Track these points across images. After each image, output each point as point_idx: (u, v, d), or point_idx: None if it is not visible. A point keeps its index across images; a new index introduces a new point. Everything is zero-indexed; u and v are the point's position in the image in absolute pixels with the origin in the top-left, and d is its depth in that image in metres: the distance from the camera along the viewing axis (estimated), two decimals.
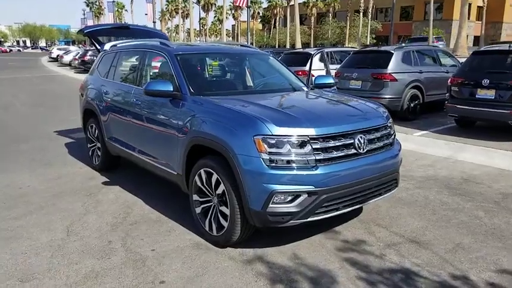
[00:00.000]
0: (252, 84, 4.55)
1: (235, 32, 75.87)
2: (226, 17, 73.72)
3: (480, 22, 49.03)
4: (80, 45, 69.65)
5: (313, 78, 4.75)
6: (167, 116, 3.91)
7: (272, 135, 3.00)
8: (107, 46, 5.91)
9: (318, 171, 3.01)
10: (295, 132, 3.03)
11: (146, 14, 37.95)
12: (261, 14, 70.23)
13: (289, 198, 3.00)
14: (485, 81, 6.89)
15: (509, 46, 7.25)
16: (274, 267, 3.10)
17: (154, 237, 3.63)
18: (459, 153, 6.42)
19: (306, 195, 3.00)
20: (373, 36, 50.29)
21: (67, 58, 33.42)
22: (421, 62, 9.19)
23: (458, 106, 7.35)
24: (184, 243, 3.51)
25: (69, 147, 7.01)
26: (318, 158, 3.04)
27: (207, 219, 3.48)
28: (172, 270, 3.08)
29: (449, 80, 7.63)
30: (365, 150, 3.30)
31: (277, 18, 64.28)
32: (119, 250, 3.41)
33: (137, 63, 4.72)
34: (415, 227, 3.83)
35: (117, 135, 4.96)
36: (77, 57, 28.91)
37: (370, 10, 48.70)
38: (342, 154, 3.16)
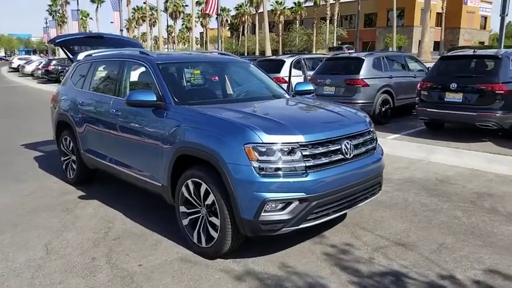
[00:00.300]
0: (234, 93, 4.53)
1: (204, 39, 75.69)
2: (195, 25, 73.56)
3: (440, 28, 51.18)
4: (42, 55, 67.41)
5: (294, 85, 4.81)
6: (150, 127, 3.83)
7: (262, 143, 2.99)
8: (81, 56, 5.75)
9: (308, 178, 3.02)
10: (285, 140, 3.04)
11: (112, 22, 37.13)
12: (229, 22, 70.43)
13: (281, 206, 3.00)
14: (453, 85, 7.17)
15: (474, 51, 7.60)
16: (266, 278, 3.07)
17: (140, 251, 3.53)
18: (431, 155, 6.63)
19: (298, 202, 3.01)
20: (339, 42, 51.42)
21: (29, 68, 32.36)
22: (390, 67, 9.47)
23: (428, 109, 7.61)
24: (172, 256, 3.43)
25: (38, 161, 6.74)
26: (307, 164, 3.06)
27: (196, 231, 3.42)
28: (162, 286, 3.00)
29: (419, 84, 7.89)
30: (351, 156, 3.36)
31: (246, 25, 64.67)
32: (104, 267, 3.29)
33: (115, 73, 4.61)
34: (398, 229, 3.91)
35: (95, 147, 4.81)
36: (40, 66, 27.98)
37: (335, 17, 49.81)
38: (330, 160, 3.20)
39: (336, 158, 3.24)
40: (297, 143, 3.06)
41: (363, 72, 8.76)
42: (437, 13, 51.28)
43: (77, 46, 6.10)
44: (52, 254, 3.52)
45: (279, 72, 10.46)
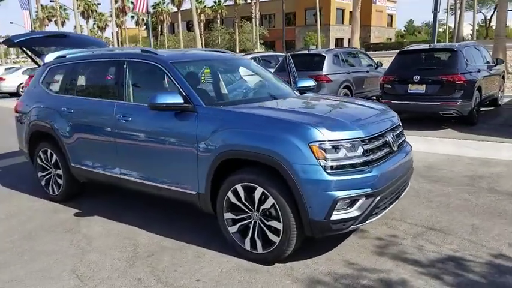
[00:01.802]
0: (252, 91, 4.35)
1: (118, 39, 72.11)
2: (107, 25, 69.80)
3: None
4: None
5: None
6: (178, 132, 3.54)
7: (328, 140, 2.93)
8: (49, 57, 5.14)
9: (372, 173, 3.02)
10: (348, 136, 3.01)
11: (12, 23, 33.53)
12: (145, 21, 67.82)
13: (349, 203, 2.96)
14: (416, 78, 7.69)
15: (430, 45, 8.21)
16: (338, 277, 3.01)
17: (187, 266, 3.26)
18: None
19: (364, 198, 2.99)
20: (261, 41, 52.40)
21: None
22: (347, 63, 9.86)
23: (393, 101, 8.04)
24: (225, 266, 3.22)
25: None
26: (369, 159, 3.05)
27: (248, 238, 3.24)
28: None
29: (381, 78, 8.34)
30: (397, 148, 3.43)
31: (165, 24, 62.93)
32: (158, 287, 2.98)
33: (115, 75, 4.18)
34: (425, 215, 4.08)
35: (92, 158, 4.33)
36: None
37: (256, 16, 50.58)
38: (383, 153, 3.23)
39: (386, 151, 3.28)
40: (358, 138, 3.04)
41: (326, 68, 9.02)
42: (350, 12, 54.48)
43: (39, 47, 5.42)
44: (87, 280, 3.11)
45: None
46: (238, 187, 3.21)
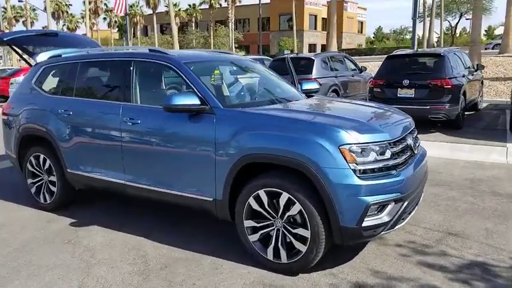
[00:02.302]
0: (265, 93, 4.18)
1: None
2: (77, 26, 67.93)
3: (325, 32, 55.33)
4: None
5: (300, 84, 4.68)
6: (193, 135, 3.35)
7: (358, 143, 2.83)
8: (42, 57, 4.83)
9: (400, 177, 2.95)
10: (377, 139, 2.92)
11: None
12: (118, 23, 66.53)
13: (379, 208, 2.87)
14: (406, 82, 7.77)
15: (417, 51, 8.33)
16: (369, 286, 2.91)
17: (207, 278, 3.07)
18: None
19: (393, 203, 2.91)
20: (236, 45, 52.32)
21: None
22: (334, 67, 9.89)
23: None
24: (247, 278, 3.05)
25: None
26: (396, 163, 2.98)
27: (271, 246, 3.09)
28: None
29: (370, 82, 8.38)
30: (416, 151, 3.38)
31: (138, 27, 61.81)
32: None
33: (120, 75, 3.93)
34: (437, 220, 4.06)
35: (92, 163, 4.07)
36: None
37: (232, 20, 50.50)
38: (407, 157, 3.17)
39: (409, 155, 3.23)
40: (386, 141, 2.96)
41: (315, 72, 9.01)
42: (322, 18, 55.37)
43: (30, 45, 5.10)
44: None
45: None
46: (261, 193, 3.05)
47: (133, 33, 64.59)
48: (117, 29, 68.26)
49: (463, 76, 8.15)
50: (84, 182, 4.22)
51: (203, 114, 3.33)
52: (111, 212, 4.48)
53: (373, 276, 3.04)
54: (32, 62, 4.92)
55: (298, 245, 2.98)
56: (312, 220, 2.87)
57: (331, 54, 10.69)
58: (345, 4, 53.03)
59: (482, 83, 10.61)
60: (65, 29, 68.83)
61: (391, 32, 77.91)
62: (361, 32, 63.34)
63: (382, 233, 2.94)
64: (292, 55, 10.67)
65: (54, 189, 4.46)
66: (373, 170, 2.85)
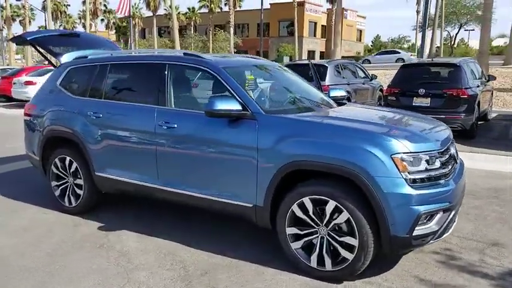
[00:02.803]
0: (300, 99, 4.15)
1: None
2: (74, 27, 67.65)
3: (325, 39, 55.67)
4: None
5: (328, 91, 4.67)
6: (235, 141, 3.32)
7: (410, 152, 2.82)
8: (67, 58, 4.80)
9: (448, 187, 2.94)
10: (427, 148, 2.92)
11: None
12: (116, 25, 66.37)
13: (428, 217, 2.85)
14: (421, 91, 7.80)
15: (432, 60, 8.37)
16: None
17: (249, 285, 3.03)
18: None
19: (442, 212, 2.90)
20: (235, 50, 52.41)
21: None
22: (346, 74, 9.92)
23: None
24: (292, 285, 3.01)
25: None
26: (444, 172, 2.97)
27: (314, 254, 3.05)
28: None
29: (385, 90, 8.41)
30: (458, 159, 3.37)
31: (136, 29, 61.69)
32: None
33: (154, 79, 3.89)
34: (470, 229, 4.04)
35: (122, 167, 4.01)
36: None
37: (231, 25, 50.59)
38: (451, 166, 3.16)
39: (452, 164, 3.22)
40: (436, 150, 2.96)
41: (328, 79, 9.01)
42: (322, 25, 55.69)
43: (53, 46, 5.05)
44: None
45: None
46: (306, 200, 3.03)
47: (131, 35, 64.50)
48: (114, 30, 68.07)
49: (477, 86, 8.20)
50: (113, 185, 4.17)
51: (244, 120, 3.30)
52: (139, 216, 4.42)
53: (418, 284, 3.02)
54: (56, 63, 4.87)
55: (344, 253, 2.95)
56: (361, 229, 2.85)
57: (343, 61, 10.72)
58: (344, 12, 53.21)
59: (492, 93, 10.69)
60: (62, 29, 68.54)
61: (388, 41, 78.46)
62: (360, 40, 63.78)
63: (431, 242, 2.92)
64: (304, 62, 10.68)
65: (80, 192, 4.39)
66: (423, 180, 2.84)
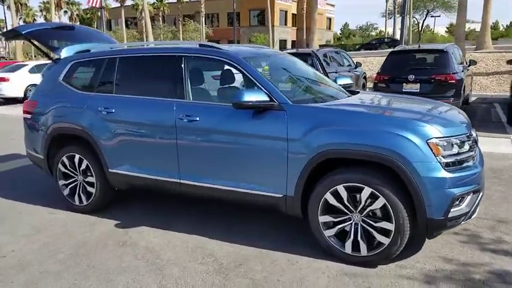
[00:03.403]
0: (320, 88, 4.13)
1: None
2: (35, 19, 64.83)
3: (295, 28, 55.78)
4: None
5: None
6: (263, 132, 3.30)
7: (443, 137, 2.90)
8: (67, 51, 4.62)
9: (476, 169, 3.05)
10: (458, 132, 3.01)
11: None
12: (80, 16, 64.06)
13: (460, 199, 2.95)
14: (411, 77, 7.99)
15: (419, 46, 8.57)
16: (450, 273, 3.00)
17: (288, 275, 3.05)
18: None
19: (472, 193, 3.00)
20: (207, 40, 51.77)
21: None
22: (333, 63, 10.01)
23: None
24: (329, 272, 3.05)
25: None
26: (472, 155, 3.07)
27: (350, 241, 3.11)
28: None
29: (375, 77, 8.55)
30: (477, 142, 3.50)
31: (102, 20, 59.77)
32: None
33: (170, 72, 3.80)
34: (481, 209, 4.19)
35: (139, 162, 3.92)
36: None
37: (202, 15, 49.88)
38: (475, 150, 3.27)
39: (476, 147, 3.33)
40: (464, 134, 3.05)
41: (318, 68, 9.05)
42: (292, 14, 55.75)
43: (48, 39, 4.84)
44: None
45: None
46: (340, 188, 3.07)
47: (96, 27, 62.53)
48: (78, 23, 65.72)
49: (462, 71, 8.47)
50: (128, 181, 4.07)
51: (271, 111, 3.29)
52: (153, 211, 4.35)
53: (448, 263, 3.14)
54: (53, 57, 4.68)
55: (380, 237, 3.02)
56: (397, 213, 2.92)
57: (331, 49, 10.81)
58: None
59: (472, 78, 11.07)
60: (21, 22, 65.61)
61: (357, 29, 79.58)
62: (330, 29, 64.36)
63: (463, 223, 3.03)
64: (292, 50, 10.69)
65: (92, 190, 4.27)
66: (455, 163, 2.93)
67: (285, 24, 54.82)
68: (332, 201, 3.12)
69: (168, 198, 4.60)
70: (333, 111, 3.25)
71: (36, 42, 4.78)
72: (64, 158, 4.35)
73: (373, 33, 76.42)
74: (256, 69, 3.49)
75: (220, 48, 3.72)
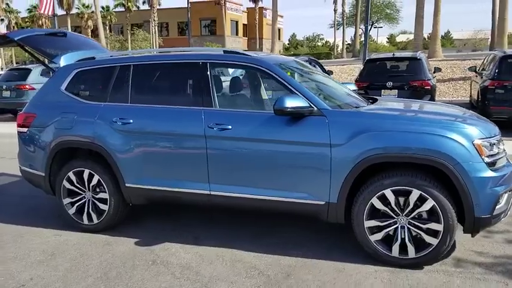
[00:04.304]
0: (343, 94, 4.14)
1: None
2: None
3: (246, 38, 56.40)
4: None
5: None
6: (302, 138, 3.26)
7: (485, 137, 3.03)
8: (66, 59, 4.32)
9: (510, 168, 3.20)
10: (495, 133, 3.17)
11: None
12: (19, 25, 60.39)
13: (500, 197, 3.08)
14: (389, 84, 8.32)
15: (393, 55, 8.95)
16: (491, 266, 3.13)
17: (342, 281, 3.01)
18: None
19: (509, 192, 3.15)
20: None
21: None
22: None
23: None
24: (381, 277, 3.05)
25: None
26: (505, 155, 3.23)
27: (397, 244, 3.13)
28: None
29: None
30: None
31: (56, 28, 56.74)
32: None
33: (196, 79, 3.66)
34: None
35: (162, 175, 3.72)
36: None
37: (153, 24, 48.97)
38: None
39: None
40: (498, 135, 3.20)
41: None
42: (243, 24, 56.32)
43: (43, 46, 4.50)
44: None
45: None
46: (387, 192, 3.09)
47: None
48: None
49: (433, 78, 8.95)
50: (148, 196, 3.85)
51: (310, 117, 3.26)
52: (170, 226, 4.13)
53: (483, 257, 3.30)
54: (50, 65, 4.36)
55: (429, 239, 3.07)
56: (446, 214, 2.99)
57: (303, 58, 10.95)
58: (264, 11, 54.49)
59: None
60: None
61: (304, 39, 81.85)
62: (279, 39, 65.55)
63: (502, 220, 3.16)
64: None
65: (104, 207, 3.97)
66: (495, 162, 3.06)
67: (236, 34, 55.21)
68: (379, 205, 3.14)
69: (179, 211, 4.44)
70: (376, 116, 3.28)
71: (29, 49, 4.42)
72: (70, 174, 4.02)
73: (319, 44, 78.96)
74: (289, 76, 3.46)
75: (249, 55, 3.64)
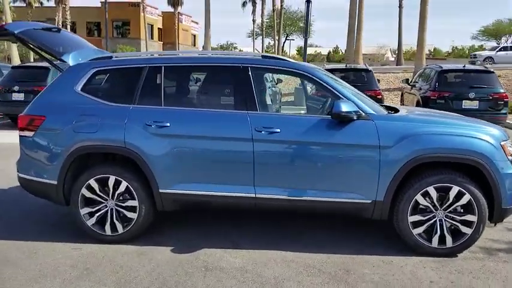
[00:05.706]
0: (374, 101, 4.39)
1: None
2: None
3: (161, 42, 55.15)
4: None
5: None
6: (352, 141, 3.49)
7: (507, 139, 3.54)
8: (75, 58, 3.99)
9: None
10: (508, 136, 3.69)
11: None
12: None
13: None
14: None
15: (346, 65, 9.64)
16: (506, 250, 3.64)
17: (395, 274, 3.24)
18: None
19: None
20: None
21: None
22: None
23: None
24: (428, 266, 3.37)
25: None
26: None
27: (436, 235, 3.50)
28: None
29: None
30: None
31: None
32: None
33: (237, 83, 3.65)
34: None
35: (205, 179, 3.63)
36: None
37: (58, 22, 45.27)
38: None
39: None
40: (510, 138, 3.77)
41: None
42: (158, 28, 54.98)
43: (46, 42, 4.10)
44: None
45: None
46: (431, 189, 3.44)
47: None
48: None
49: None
50: (186, 200, 3.72)
51: (359, 120, 3.49)
52: (200, 231, 4.02)
53: (494, 243, 3.82)
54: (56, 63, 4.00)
55: (464, 229, 3.48)
56: (480, 206, 3.43)
57: None
58: (180, 17, 53.80)
59: None
60: None
61: (218, 47, 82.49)
62: (195, 45, 65.28)
63: None
64: None
65: (132, 215, 3.73)
66: None
67: (152, 37, 53.62)
68: (422, 201, 3.47)
69: (198, 216, 4.36)
70: (417, 121, 3.64)
71: (34, 46, 4.00)
72: (92, 182, 3.71)
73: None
74: (333, 82, 3.66)
75: (288, 60, 3.76)
